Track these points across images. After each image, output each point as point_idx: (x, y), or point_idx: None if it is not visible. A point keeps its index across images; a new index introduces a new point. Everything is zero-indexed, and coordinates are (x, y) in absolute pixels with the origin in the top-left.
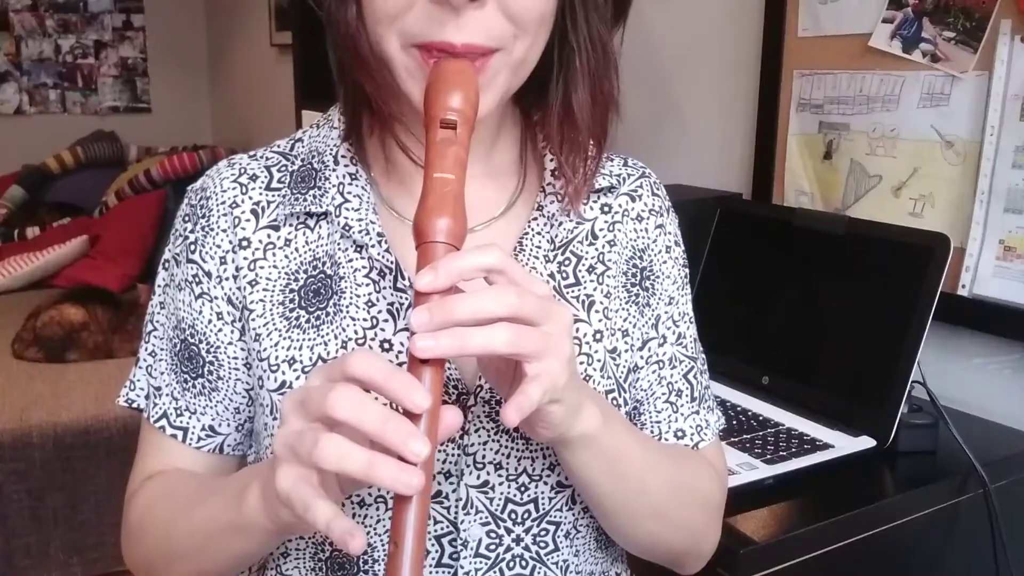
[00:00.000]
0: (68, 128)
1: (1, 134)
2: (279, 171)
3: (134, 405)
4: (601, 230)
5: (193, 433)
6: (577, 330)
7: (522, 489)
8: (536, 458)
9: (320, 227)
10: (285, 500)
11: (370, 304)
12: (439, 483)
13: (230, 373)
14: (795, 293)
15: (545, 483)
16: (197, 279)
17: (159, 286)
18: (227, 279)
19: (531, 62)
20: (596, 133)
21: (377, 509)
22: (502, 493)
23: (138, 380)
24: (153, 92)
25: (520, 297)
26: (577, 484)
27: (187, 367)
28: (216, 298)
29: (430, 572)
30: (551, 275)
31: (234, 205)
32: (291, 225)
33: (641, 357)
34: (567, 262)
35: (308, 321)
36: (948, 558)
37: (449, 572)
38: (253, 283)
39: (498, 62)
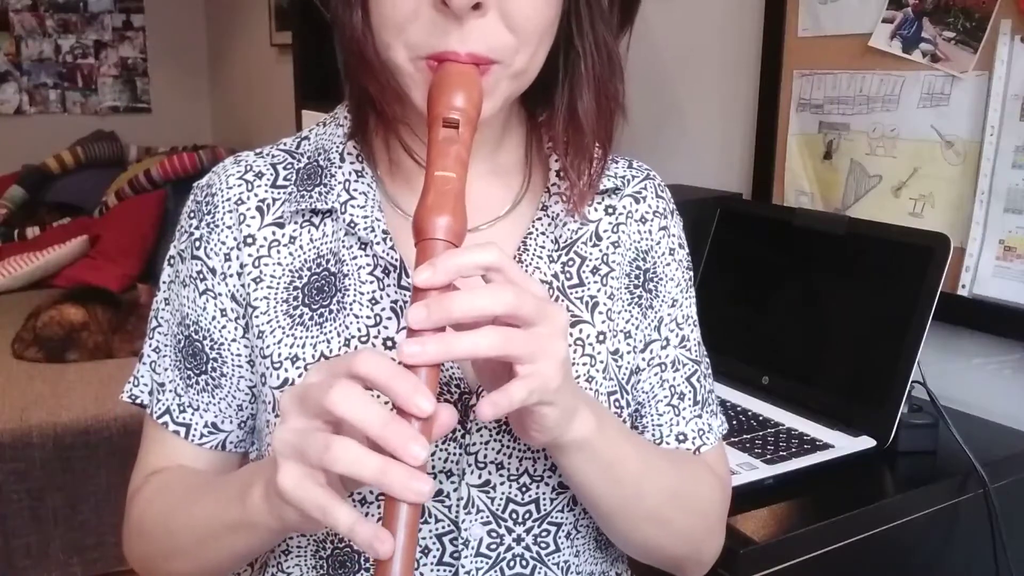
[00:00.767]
0: (68, 128)
1: (1, 134)
2: (285, 168)
3: (137, 401)
4: (605, 231)
5: (196, 430)
6: (580, 331)
7: (523, 489)
8: (538, 459)
9: (325, 224)
10: (292, 500)
11: (374, 302)
12: (440, 482)
13: (233, 370)
14: (795, 293)
15: (546, 484)
16: (201, 275)
17: (164, 282)
18: (231, 276)
19: (533, 71)
20: (601, 137)
21: (379, 508)
22: (503, 493)
23: (142, 376)
24: (153, 92)
25: (517, 296)
26: (573, 488)
27: (191, 363)
28: (220, 295)
29: (431, 570)
30: (555, 276)
31: (239, 202)
32: (296, 222)
33: (643, 359)
34: (571, 263)
35: (311, 318)
36: (948, 558)
37: (450, 571)
38: (257, 280)
39: (498, 73)
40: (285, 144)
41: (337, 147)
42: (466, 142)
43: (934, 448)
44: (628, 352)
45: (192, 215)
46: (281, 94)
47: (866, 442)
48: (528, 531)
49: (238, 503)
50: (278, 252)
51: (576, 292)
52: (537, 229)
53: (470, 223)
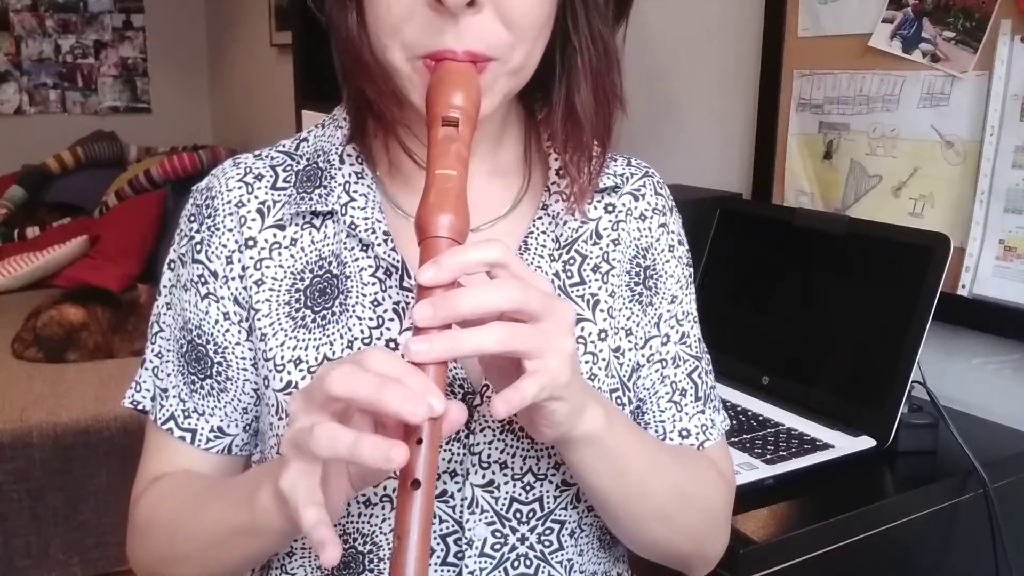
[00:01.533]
0: (68, 128)
1: (1, 134)
2: (284, 170)
3: (139, 407)
4: (605, 229)
5: (202, 435)
6: (582, 329)
7: (527, 488)
8: (541, 457)
9: (326, 226)
10: (285, 496)
11: (376, 303)
12: (444, 482)
13: (238, 373)
14: (795, 293)
15: (550, 482)
16: (203, 279)
17: (164, 287)
18: (233, 279)
19: (530, 67)
20: (600, 132)
21: (383, 508)
22: (507, 492)
23: (144, 381)
24: (153, 92)
25: (523, 291)
26: (581, 484)
27: (195, 368)
28: (223, 298)
29: (435, 571)
30: (556, 274)
31: (240, 204)
32: (297, 224)
33: (643, 355)
34: (572, 261)
35: (314, 321)
36: (948, 558)
37: (454, 571)
38: (259, 283)
39: (496, 70)
40: (284, 146)
41: (336, 149)
42: (466, 140)
43: (934, 448)
44: (629, 349)
45: (192, 218)
46: (281, 94)
47: (866, 442)
48: (532, 530)
49: (246, 506)
50: (279, 254)
51: (577, 290)
52: (538, 228)
53: (472, 224)
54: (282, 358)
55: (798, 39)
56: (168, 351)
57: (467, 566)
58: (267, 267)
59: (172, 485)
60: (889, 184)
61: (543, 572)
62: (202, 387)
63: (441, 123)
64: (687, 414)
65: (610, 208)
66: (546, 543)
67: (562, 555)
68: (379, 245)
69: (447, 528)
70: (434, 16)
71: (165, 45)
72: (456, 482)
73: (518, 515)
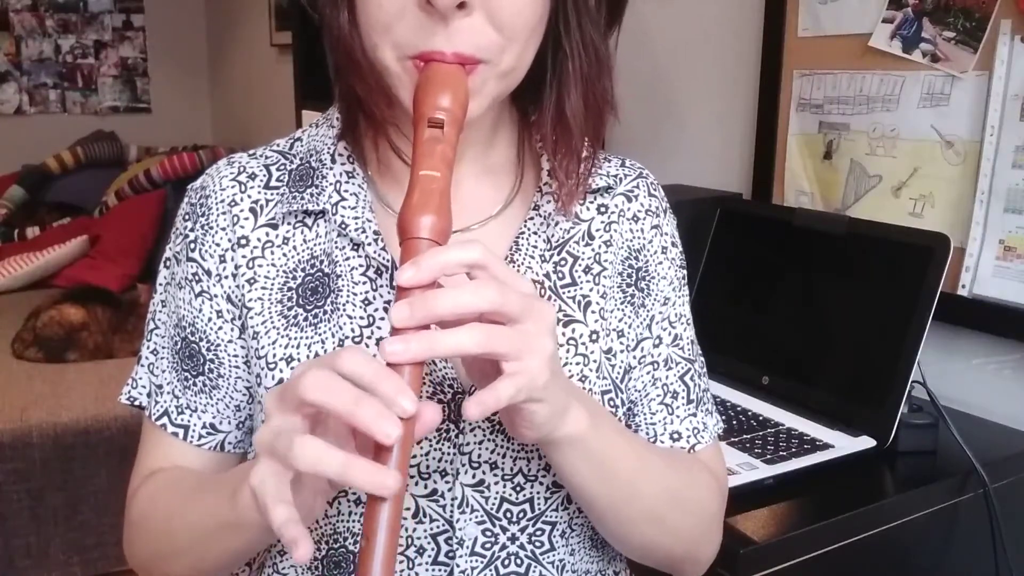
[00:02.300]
0: (68, 128)
1: (1, 134)
2: (278, 170)
3: (136, 403)
4: (597, 230)
5: (194, 431)
6: (573, 331)
7: (517, 489)
8: (532, 458)
9: (318, 225)
10: (256, 495)
11: (367, 302)
12: (435, 481)
13: (231, 371)
14: (795, 293)
15: (540, 483)
16: (197, 277)
17: (160, 284)
18: (226, 277)
19: (521, 70)
20: (590, 137)
21: None
22: (497, 492)
23: (140, 378)
24: (153, 92)
25: (501, 292)
26: (567, 486)
27: (188, 365)
28: (216, 296)
29: (426, 570)
30: (547, 275)
31: (233, 203)
32: (289, 223)
33: (634, 357)
34: (563, 262)
35: (306, 319)
36: (948, 558)
37: (445, 570)
38: (252, 281)
39: (485, 72)
40: (278, 145)
41: (328, 148)
42: (451, 142)
43: (934, 448)
44: (621, 351)
45: (187, 217)
46: (281, 94)
47: (866, 442)
48: (523, 530)
49: (229, 502)
50: (272, 253)
51: (568, 291)
52: (529, 229)
53: (462, 223)
54: (274, 356)
55: (798, 39)
56: (163, 348)
57: (458, 565)
58: (259, 266)
59: (166, 481)
60: (889, 184)
61: (534, 571)
62: (195, 384)
63: (427, 124)
64: (678, 417)
65: (603, 209)
66: (537, 543)
67: (553, 555)
68: (369, 244)
69: (437, 527)
70: (424, 17)
71: (165, 45)
72: (446, 481)
73: (508, 515)
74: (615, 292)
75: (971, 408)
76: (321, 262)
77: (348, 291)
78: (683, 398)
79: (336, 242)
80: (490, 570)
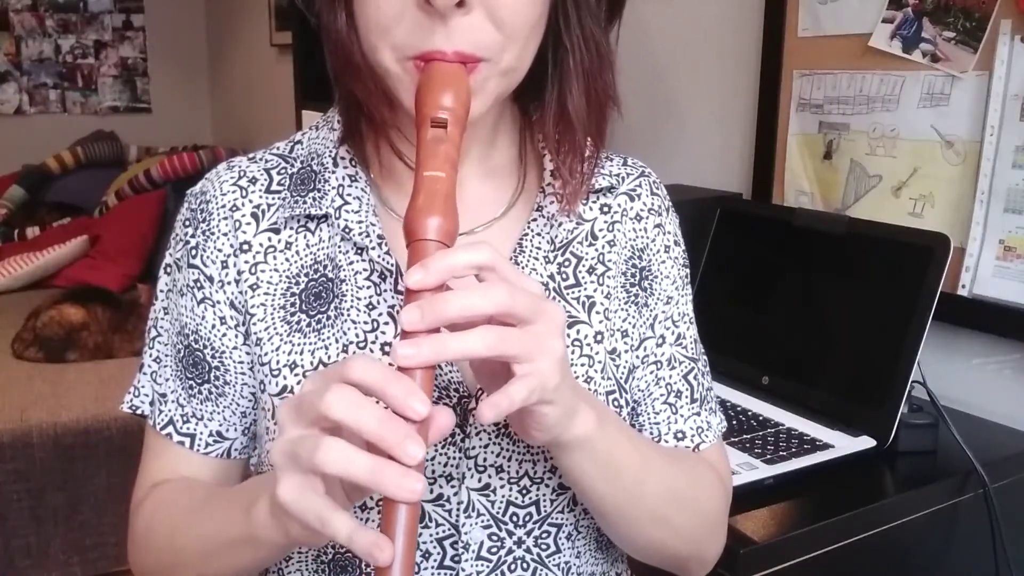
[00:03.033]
0: (68, 128)
1: (1, 134)
2: (279, 174)
3: (138, 412)
4: (601, 230)
5: (200, 439)
6: (578, 332)
7: (523, 492)
8: (537, 461)
9: (321, 230)
10: (293, 512)
11: (371, 307)
12: (440, 486)
13: (236, 378)
14: (795, 293)
15: (547, 485)
16: (199, 284)
17: (161, 291)
18: (229, 283)
19: (522, 68)
20: (592, 133)
21: (380, 513)
22: (503, 496)
23: (142, 386)
24: (153, 92)
25: (510, 294)
26: (574, 487)
27: (192, 373)
28: (219, 303)
29: (432, 574)
30: (551, 276)
31: (234, 208)
32: (292, 228)
33: (638, 357)
34: (567, 263)
35: (309, 325)
36: (948, 558)
37: (451, 574)
38: (254, 287)
39: (486, 71)
40: (278, 149)
41: (330, 152)
42: (455, 141)
43: (934, 448)
44: (626, 351)
45: (187, 223)
46: (281, 94)
47: (866, 442)
48: (529, 533)
49: (243, 519)
50: (274, 258)
51: (573, 292)
52: (532, 230)
53: (466, 226)
54: (278, 362)
55: (798, 39)
56: (166, 356)
57: (464, 569)
58: (262, 271)
59: (172, 492)
60: (889, 184)
61: (540, 574)
62: (200, 392)
63: (430, 124)
64: (682, 416)
65: (606, 209)
66: (543, 546)
67: (559, 558)
68: (373, 249)
69: (443, 532)
70: (423, 17)
71: (165, 45)
72: (452, 486)
73: (514, 518)
74: (619, 292)
75: (971, 408)
76: (324, 267)
77: (352, 296)
78: (687, 397)
79: (339, 246)
80: (496, 574)
